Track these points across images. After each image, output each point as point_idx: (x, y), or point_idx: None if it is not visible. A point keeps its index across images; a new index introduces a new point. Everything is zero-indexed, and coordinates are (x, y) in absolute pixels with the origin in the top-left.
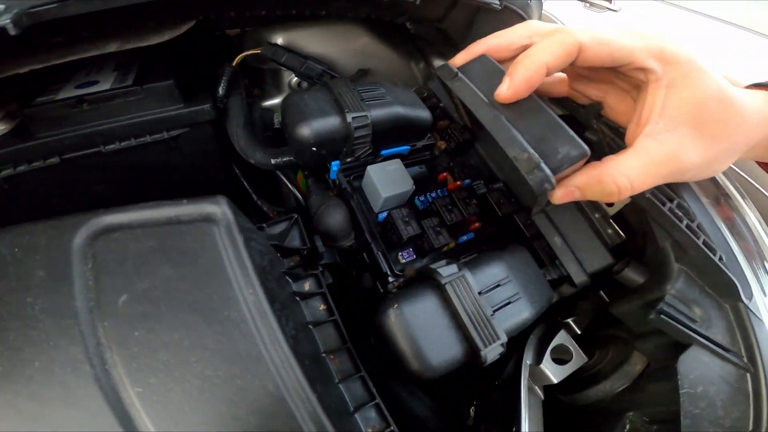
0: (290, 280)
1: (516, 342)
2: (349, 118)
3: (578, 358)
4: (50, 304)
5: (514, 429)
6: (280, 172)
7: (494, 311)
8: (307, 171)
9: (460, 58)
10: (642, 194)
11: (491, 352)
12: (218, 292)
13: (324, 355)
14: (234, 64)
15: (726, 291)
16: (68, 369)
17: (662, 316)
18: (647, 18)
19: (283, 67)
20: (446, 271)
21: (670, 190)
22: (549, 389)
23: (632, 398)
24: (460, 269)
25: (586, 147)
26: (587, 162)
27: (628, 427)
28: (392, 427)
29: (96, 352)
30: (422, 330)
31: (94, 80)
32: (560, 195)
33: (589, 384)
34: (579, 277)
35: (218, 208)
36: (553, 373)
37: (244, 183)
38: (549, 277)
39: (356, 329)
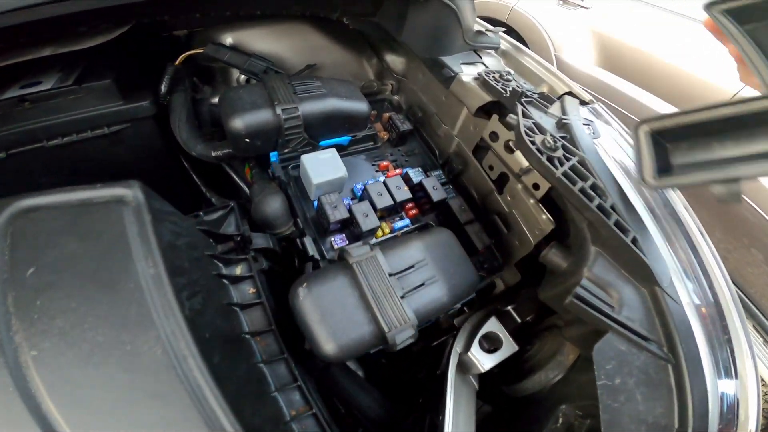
0: (221, 264)
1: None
2: (278, 110)
3: (508, 346)
4: None
5: (440, 417)
6: (225, 165)
7: (406, 293)
8: (252, 163)
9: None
10: (553, 174)
11: (400, 335)
12: (119, 265)
13: (248, 336)
14: (177, 63)
15: (642, 274)
16: None
17: (575, 300)
18: (617, 15)
19: (228, 66)
20: (356, 251)
21: (585, 170)
22: (494, 381)
23: (565, 391)
24: (372, 250)
25: None
26: None
27: (561, 420)
28: (314, 410)
29: (4, 319)
30: (330, 310)
31: (38, 81)
32: None
33: (526, 375)
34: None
35: (129, 191)
36: (481, 361)
37: (193, 175)
38: (485, 265)
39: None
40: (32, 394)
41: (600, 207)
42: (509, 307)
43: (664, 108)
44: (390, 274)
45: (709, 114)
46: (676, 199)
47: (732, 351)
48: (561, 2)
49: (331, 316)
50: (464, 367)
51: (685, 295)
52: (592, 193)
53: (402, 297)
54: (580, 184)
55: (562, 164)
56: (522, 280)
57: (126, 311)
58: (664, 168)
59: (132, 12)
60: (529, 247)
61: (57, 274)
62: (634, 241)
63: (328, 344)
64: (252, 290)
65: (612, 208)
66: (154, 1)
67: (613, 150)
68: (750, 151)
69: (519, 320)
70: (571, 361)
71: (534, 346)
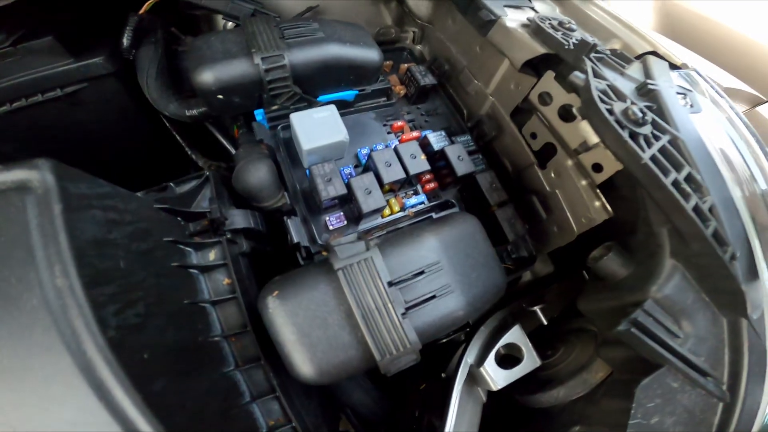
0: (189, 249)
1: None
2: (257, 59)
3: (529, 361)
4: None
5: (436, 422)
6: (209, 125)
7: (410, 309)
8: (241, 121)
9: None
10: (638, 159)
11: (395, 363)
12: (19, 274)
13: (218, 338)
14: (141, 12)
15: (729, 302)
16: None
17: (633, 330)
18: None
19: (209, 11)
20: (345, 251)
21: (680, 156)
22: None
23: (584, 411)
24: (369, 248)
25: None
26: None
27: None
28: (294, 424)
29: None
30: (309, 326)
31: None
32: None
33: (544, 386)
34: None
35: (34, 174)
36: (495, 378)
37: (176, 136)
38: (513, 255)
39: None
40: None
41: (696, 209)
42: (536, 307)
43: (733, 83)
44: (390, 283)
45: None
46: None
47: None
48: None
49: (309, 334)
50: (474, 379)
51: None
52: (689, 190)
53: (403, 314)
54: (673, 175)
55: (650, 145)
56: (554, 272)
57: (25, 338)
58: None
59: None
60: (572, 236)
61: None
62: (732, 257)
63: (305, 367)
64: (226, 281)
65: (710, 211)
66: None
67: (717, 132)
68: None
69: (545, 322)
70: (599, 380)
71: (558, 352)
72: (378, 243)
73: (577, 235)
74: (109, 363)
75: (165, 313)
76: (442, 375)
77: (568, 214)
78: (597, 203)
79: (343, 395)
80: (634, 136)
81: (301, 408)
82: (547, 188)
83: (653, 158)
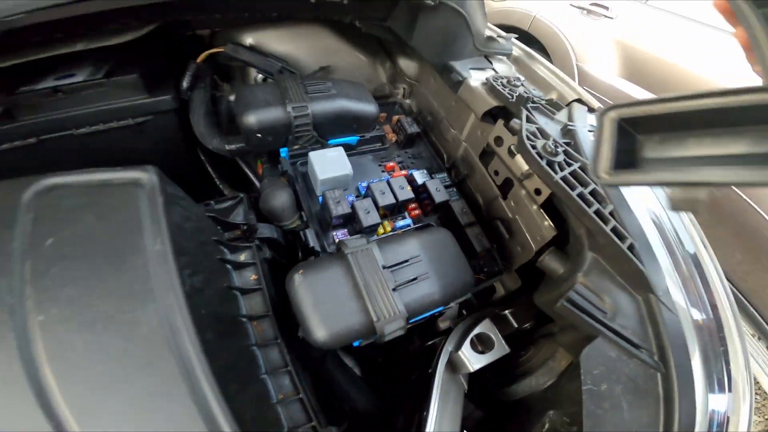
0: (225, 249)
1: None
2: (289, 108)
3: (500, 348)
4: None
5: (425, 413)
6: (239, 159)
7: (398, 286)
8: (264, 158)
9: None
10: (551, 178)
11: (389, 326)
12: (129, 242)
13: (245, 319)
14: (198, 60)
15: (637, 282)
16: None
17: (567, 303)
18: (643, 25)
19: (247, 65)
20: (352, 243)
21: (587, 176)
22: (487, 385)
23: (554, 397)
24: (369, 242)
25: None
26: None
27: (547, 425)
28: (301, 395)
29: (19, 286)
30: (324, 297)
31: (71, 73)
32: None
33: (517, 379)
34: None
35: (145, 175)
36: (471, 360)
37: (208, 167)
38: (485, 268)
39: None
40: (32, 358)
41: (598, 213)
42: (506, 312)
43: None
44: (384, 267)
45: (692, 104)
46: (685, 216)
47: (728, 364)
48: (585, 11)
49: (324, 303)
50: (454, 365)
51: (683, 306)
52: (591, 199)
53: (394, 290)
54: (579, 189)
55: (562, 169)
56: (522, 286)
57: (131, 284)
58: (624, 163)
59: (158, 11)
60: (531, 253)
61: (72, 246)
62: (631, 248)
63: (320, 331)
64: (253, 277)
65: (611, 214)
66: (178, 2)
67: None
68: (729, 152)
69: (515, 325)
70: (562, 368)
71: (528, 351)
72: (375, 241)
73: (535, 252)
74: (181, 307)
75: (213, 288)
76: (429, 371)
77: (527, 235)
78: (546, 223)
79: (341, 391)
80: (550, 163)
81: (306, 385)
82: (509, 215)
83: (564, 178)
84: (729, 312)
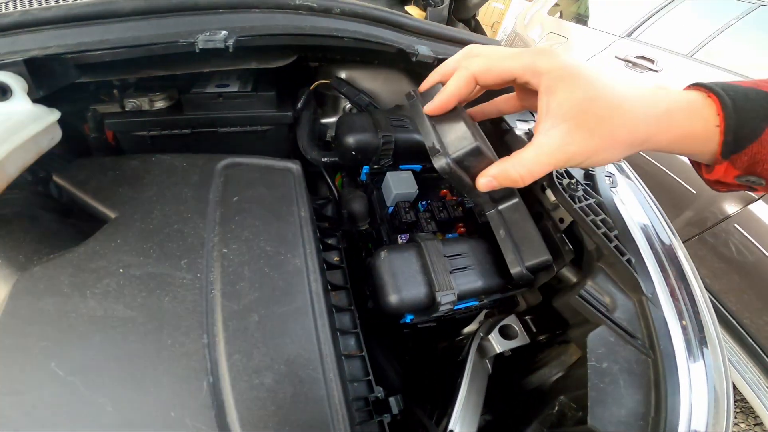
0: (318, 233)
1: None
2: (380, 135)
3: (522, 338)
4: (196, 194)
5: (458, 380)
6: (324, 171)
7: (453, 270)
8: (344, 173)
9: (423, 86)
10: (573, 209)
11: (444, 297)
12: (286, 206)
13: (329, 287)
14: (312, 87)
15: (631, 285)
16: (192, 231)
17: (578, 297)
18: (687, 77)
19: (341, 95)
20: (424, 235)
21: (599, 209)
22: (505, 376)
23: (564, 383)
24: (434, 237)
25: (474, 142)
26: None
27: (557, 408)
28: (363, 353)
29: (211, 226)
30: (400, 270)
31: (226, 84)
32: (483, 183)
33: (534, 371)
34: (514, 267)
35: (295, 166)
36: (498, 344)
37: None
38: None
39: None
40: (210, 281)
41: (605, 234)
42: (527, 317)
43: None
44: (444, 255)
45: None
46: (676, 243)
47: (707, 357)
48: (630, 64)
49: (400, 275)
50: (482, 350)
51: (669, 309)
52: (600, 224)
53: (450, 272)
54: (592, 216)
55: (581, 201)
56: (542, 302)
57: (286, 234)
58: None
59: (307, 48)
60: (552, 273)
61: (249, 203)
62: (629, 261)
63: (393, 295)
64: (337, 258)
65: (615, 237)
66: (316, 47)
67: (626, 198)
68: None
69: (534, 329)
70: (572, 361)
71: (543, 353)
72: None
73: (556, 272)
74: (314, 255)
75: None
76: (459, 359)
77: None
78: (566, 248)
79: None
80: (572, 197)
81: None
82: None
83: (581, 208)
84: (709, 317)
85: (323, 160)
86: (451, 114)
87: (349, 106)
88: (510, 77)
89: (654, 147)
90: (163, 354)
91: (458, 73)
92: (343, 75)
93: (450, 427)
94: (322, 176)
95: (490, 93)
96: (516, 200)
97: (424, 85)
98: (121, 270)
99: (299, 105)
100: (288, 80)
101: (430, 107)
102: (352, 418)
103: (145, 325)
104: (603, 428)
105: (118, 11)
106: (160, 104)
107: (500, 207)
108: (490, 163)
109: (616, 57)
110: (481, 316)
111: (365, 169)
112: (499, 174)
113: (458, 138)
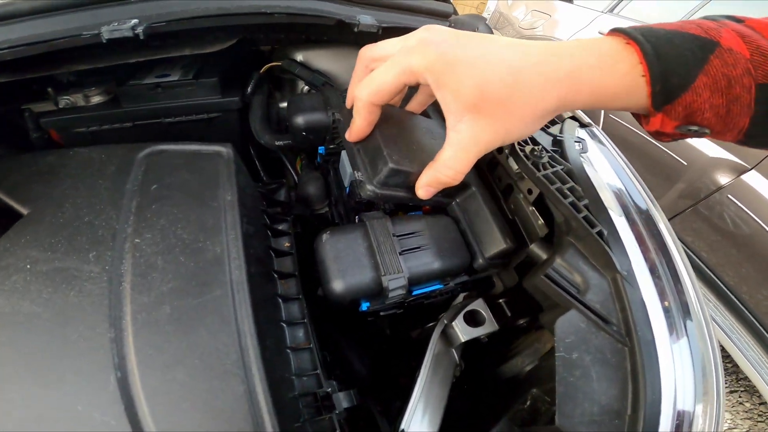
0: (268, 219)
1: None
2: (329, 113)
3: (489, 325)
4: (112, 185)
5: (416, 374)
6: (282, 155)
7: (404, 251)
8: (303, 155)
9: (347, 103)
10: (537, 177)
11: (393, 282)
12: (210, 191)
13: (275, 275)
14: (261, 72)
15: (605, 263)
16: (105, 219)
17: (544, 278)
18: None
19: (297, 78)
20: (370, 215)
21: (567, 176)
22: (479, 365)
23: (537, 374)
24: (383, 216)
25: (390, 163)
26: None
27: (529, 402)
28: (312, 346)
29: (125, 216)
30: (344, 253)
31: (167, 73)
32: (422, 193)
33: (507, 360)
34: (476, 261)
35: (224, 149)
36: (463, 332)
37: (255, 160)
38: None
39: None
40: (120, 273)
41: (572, 204)
42: (501, 300)
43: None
44: (394, 235)
45: None
46: (655, 212)
47: (694, 344)
48: None
49: (344, 259)
50: (448, 337)
51: (649, 287)
52: (567, 193)
53: (400, 254)
54: (558, 185)
55: (545, 169)
56: (519, 283)
57: (206, 220)
58: None
59: (243, 29)
60: (524, 254)
61: (169, 190)
62: (600, 234)
63: (338, 282)
64: (287, 244)
65: (585, 207)
66: (259, 25)
67: (598, 164)
68: None
69: (509, 313)
70: (547, 349)
71: (519, 339)
72: (389, 216)
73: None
74: (237, 241)
75: (259, 240)
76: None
77: (523, 233)
78: (539, 222)
79: (342, 356)
80: (535, 164)
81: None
82: (509, 216)
83: (546, 176)
84: (693, 296)
85: (277, 143)
86: (370, 136)
87: (306, 87)
88: (398, 87)
89: (572, 107)
90: (68, 349)
91: (356, 104)
92: (299, 57)
93: (402, 426)
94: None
95: None
96: (470, 190)
97: (348, 103)
98: (28, 266)
99: (249, 90)
100: (237, 66)
101: (348, 136)
102: (292, 415)
103: (50, 320)
104: (572, 428)
105: (18, 11)
106: (96, 99)
107: (457, 199)
108: (420, 171)
109: (599, 32)
110: (460, 298)
111: (320, 149)
112: (431, 181)
113: (377, 160)
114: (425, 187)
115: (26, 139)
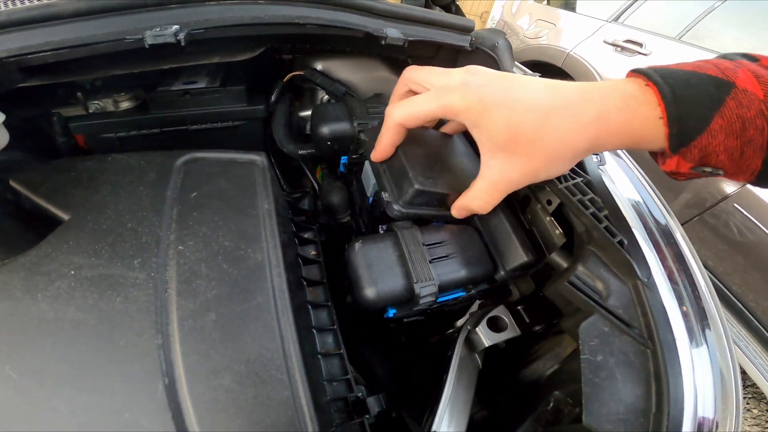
0: (293, 228)
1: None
2: (355, 123)
3: (512, 329)
4: (152, 191)
5: (444, 377)
6: (303, 164)
7: (433, 260)
8: (324, 165)
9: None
10: (558, 188)
11: (424, 289)
12: (248, 199)
13: (304, 282)
14: (284, 80)
15: (625, 269)
16: (147, 230)
17: (567, 284)
18: (676, 60)
19: (317, 87)
20: (401, 224)
21: (587, 188)
22: (499, 371)
23: (559, 377)
24: (412, 226)
25: (416, 184)
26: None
27: (552, 404)
28: (341, 351)
29: (167, 224)
30: (376, 262)
31: (194, 80)
32: (455, 213)
33: (528, 365)
34: (498, 273)
35: (259, 158)
36: (486, 337)
37: (275, 169)
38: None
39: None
40: (165, 279)
41: (593, 214)
42: (519, 307)
43: None
44: (423, 244)
45: None
46: (672, 222)
47: (712, 346)
48: (618, 49)
49: (376, 267)
50: (471, 343)
51: (668, 294)
52: (588, 204)
53: (430, 262)
54: (579, 196)
55: (566, 181)
56: (535, 291)
57: (246, 228)
58: None
59: (271, 39)
60: (542, 262)
61: (209, 199)
62: (621, 243)
63: (370, 289)
64: (313, 252)
65: (606, 217)
66: (289, 35)
67: (616, 177)
68: None
69: (527, 320)
70: (567, 353)
71: (538, 345)
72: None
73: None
74: (277, 249)
75: (292, 250)
76: (448, 353)
77: (541, 243)
78: (557, 232)
79: (366, 363)
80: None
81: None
82: (527, 227)
83: (567, 188)
84: (709, 298)
85: (300, 152)
86: (395, 156)
87: (326, 97)
88: (433, 118)
89: (603, 149)
90: (116, 355)
91: (386, 122)
92: (319, 66)
93: (434, 428)
94: (303, 170)
95: None
96: None
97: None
98: (72, 272)
99: (273, 98)
100: (261, 74)
101: (373, 156)
102: (327, 420)
103: (96, 326)
104: (599, 427)
105: (61, 13)
106: (125, 105)
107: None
108: (443, 191)
109: (604, 41)
110: (475, 306)
111: (343, 159)
112: (464, 206)
113: (402, 182)
114: (458, 210)
115: (48, 144)
